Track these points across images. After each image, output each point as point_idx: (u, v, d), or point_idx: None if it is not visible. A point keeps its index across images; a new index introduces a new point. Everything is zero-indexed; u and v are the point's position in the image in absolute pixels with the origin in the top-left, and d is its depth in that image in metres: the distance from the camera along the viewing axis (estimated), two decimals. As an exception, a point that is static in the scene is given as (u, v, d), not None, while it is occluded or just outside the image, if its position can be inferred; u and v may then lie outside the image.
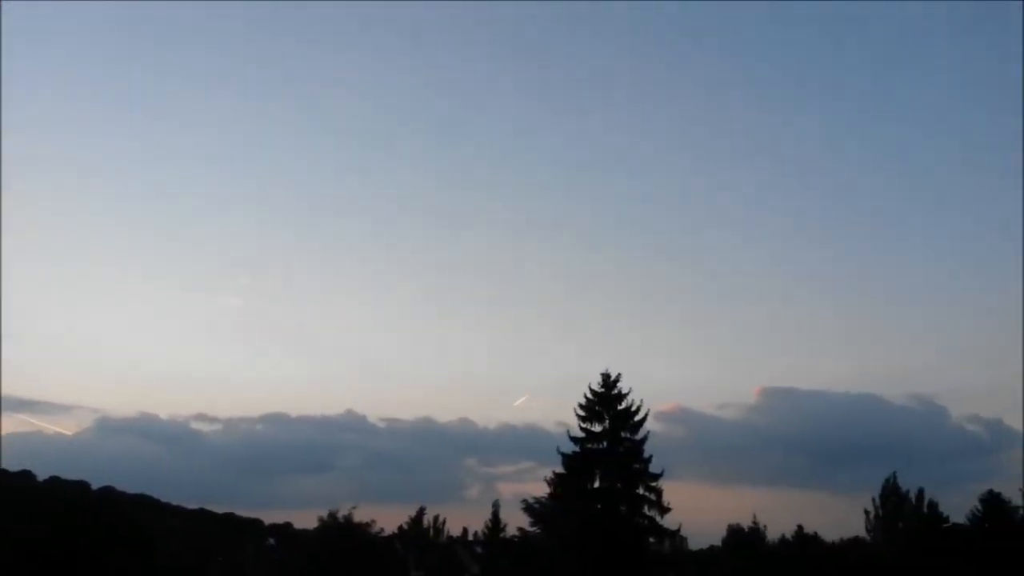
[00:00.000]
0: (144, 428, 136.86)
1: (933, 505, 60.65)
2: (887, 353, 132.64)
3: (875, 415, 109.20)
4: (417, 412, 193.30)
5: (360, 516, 58.35)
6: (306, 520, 71.74)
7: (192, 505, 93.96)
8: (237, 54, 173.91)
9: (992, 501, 57.67)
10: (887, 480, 62.30)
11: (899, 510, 61.26)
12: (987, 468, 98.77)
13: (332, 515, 57.63)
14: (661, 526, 45.26)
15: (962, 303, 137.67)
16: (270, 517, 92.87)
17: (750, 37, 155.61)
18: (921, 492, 61.39)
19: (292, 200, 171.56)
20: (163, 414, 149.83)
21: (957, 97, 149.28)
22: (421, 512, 76.27)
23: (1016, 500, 55.18)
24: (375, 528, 61.03)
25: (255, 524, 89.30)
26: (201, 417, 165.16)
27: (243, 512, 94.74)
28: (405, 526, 75.46)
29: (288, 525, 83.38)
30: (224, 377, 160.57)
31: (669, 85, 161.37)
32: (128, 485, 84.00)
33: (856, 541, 67.06)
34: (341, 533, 56.23)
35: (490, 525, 69.08)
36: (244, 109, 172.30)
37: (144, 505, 79.52)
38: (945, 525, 59.77)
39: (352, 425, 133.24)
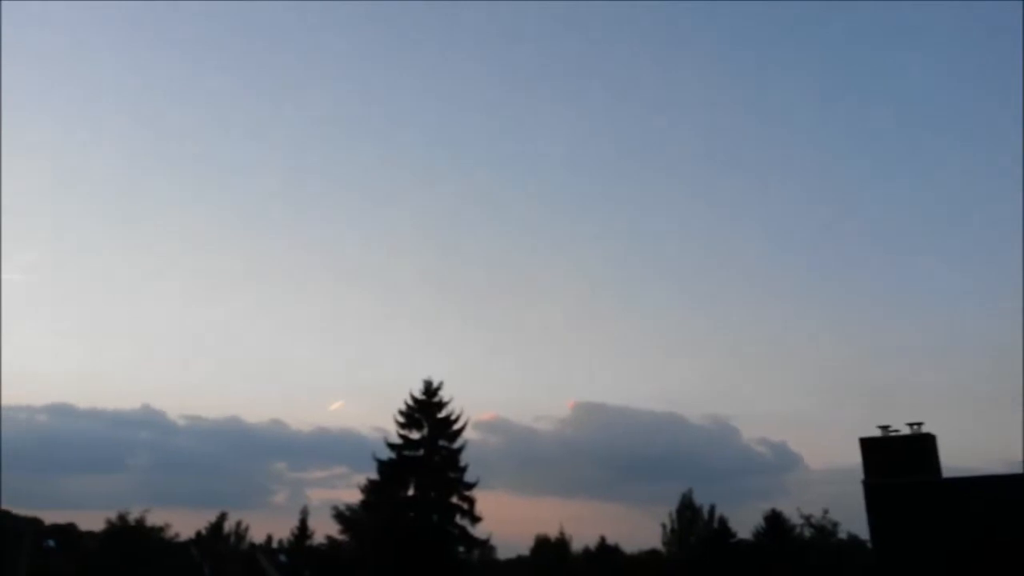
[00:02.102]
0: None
1: (723, 520, 64.79)
2: (690, 375, 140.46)
3: (675, 433, 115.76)
4: (223, 411, 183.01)
5: (154, 519, 55.25)
6: (92, 521, 66.50)
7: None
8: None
9: (774, 519, 62.45)
10: (683, 495, 66.09)
11: (693, 524, 65.08)
12: (772, 487, 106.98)
13: (122, 517, 54.09)
14: (472, 535, 45.58)
15: (758, 332, 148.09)
16: (51, 517, 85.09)
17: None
18: (713, 508, 65.57)
19: (89, 177, 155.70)
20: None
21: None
22: (222, 517, 72.87)
23: (795, 519, 59.86)
24: (170, 533, 57.89)
25: (33, 523, 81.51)
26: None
27: (20, 510, 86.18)
28: (204, 531, 71.71)
29: (72, 526, 76.83)
30: (3, 361, 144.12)
31: (500, 86, 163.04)
32: None
33: (654, 553, 70.60)
34: (130, 537, 52.74)
35: (297, 532, 67.03)
36: (42, 75, 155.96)
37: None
38: (732, 540, 64.01)
39: (149, 421, 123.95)
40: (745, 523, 66.42)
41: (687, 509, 65.25)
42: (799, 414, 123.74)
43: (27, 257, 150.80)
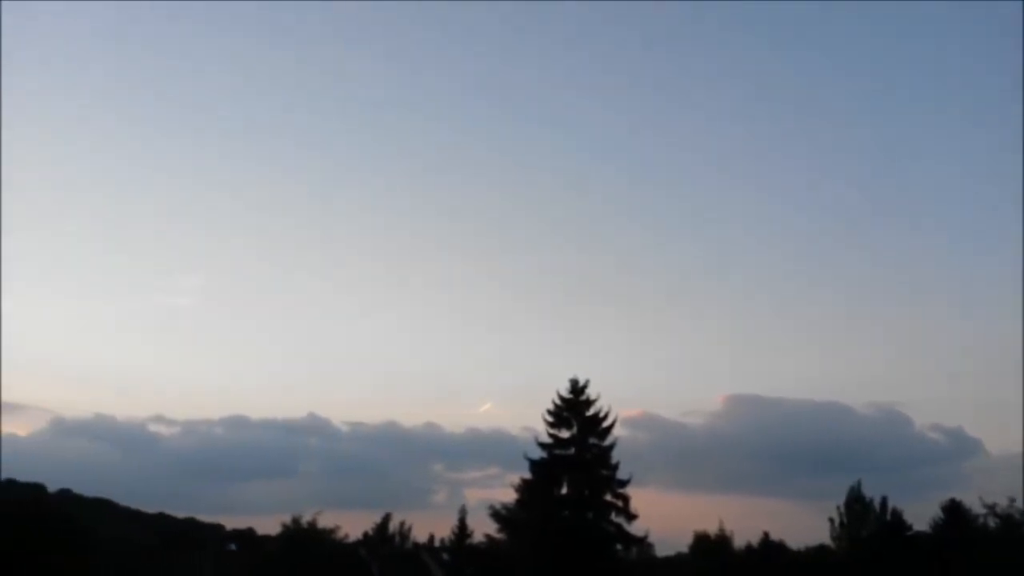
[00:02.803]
0: (99, 430, 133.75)
1: (897, 513, 60.98)
2: (850, 361, 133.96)
3: (839, 423, 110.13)
4: (382, 416, 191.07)
5: (324, 522, 57.48)
6: (268, 526, 70.83)
7: (151, 509, 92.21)
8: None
9: (953, 510, 58.26)
10: (852, 488, 62.66)
11: (863, 518, 61.57)
12: (949, 476, 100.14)
13: (296, 520, 56.72)
14: (628, 533, 45.24)
15: (924, 314, 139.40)
16: (231, 522, 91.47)
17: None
18: (885, 500, 61.76)
19: (244, 198, 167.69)
20: (119, 415, 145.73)
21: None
22: (387, 518, 75.50)
23: (976, 508, 55.82)
24: (340, 534, 60.28)
25: (216, 529, 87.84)
26: (158, 419, 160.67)
27: (203, 517, 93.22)
28: (370, 532, 74.61)
29: (251, 531, 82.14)
30: (181, 378, 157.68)
31: (636, 90, 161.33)
32: (85, 488, 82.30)
33: (822, 549, 67.34)
34: (305, 539, 55.40)
35: (457, 531, 68.44)
36: (188, 104, 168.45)
37: (102, 508, 77.94)
38: (908, 533, 60.20)
39: (315, 428, 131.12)
40: (921, 515, 61.86)
41: (856, 502, 61.79)
42: (974, 396, 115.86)
43: (193, 280, 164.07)
